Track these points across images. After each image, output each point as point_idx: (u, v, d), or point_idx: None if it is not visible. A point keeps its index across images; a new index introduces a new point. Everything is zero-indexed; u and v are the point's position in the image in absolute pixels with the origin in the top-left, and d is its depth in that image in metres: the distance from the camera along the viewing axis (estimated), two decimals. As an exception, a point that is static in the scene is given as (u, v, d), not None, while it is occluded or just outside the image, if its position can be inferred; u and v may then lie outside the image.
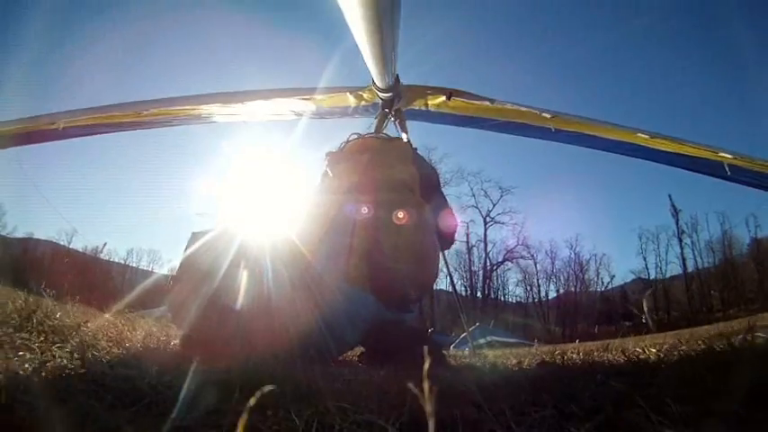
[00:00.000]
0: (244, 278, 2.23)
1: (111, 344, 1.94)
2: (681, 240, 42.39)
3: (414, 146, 4.65)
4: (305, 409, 0.94)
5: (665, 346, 2.21)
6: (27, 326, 1.91)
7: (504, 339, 17.15)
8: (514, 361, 2.55)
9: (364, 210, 2.71)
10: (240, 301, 2.17)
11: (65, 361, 1.31)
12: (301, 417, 0.89)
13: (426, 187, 3.02)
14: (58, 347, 1.50)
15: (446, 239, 3.22)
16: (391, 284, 2.65)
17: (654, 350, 2.20)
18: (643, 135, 3.25)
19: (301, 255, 2.53)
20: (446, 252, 3.49)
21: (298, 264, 2.47)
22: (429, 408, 0.52)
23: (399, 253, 2.69)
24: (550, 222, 59.21)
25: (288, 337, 2.17)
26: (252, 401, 0.60)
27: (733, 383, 1.10)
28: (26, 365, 1.17)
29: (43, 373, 1.13)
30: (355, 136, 3.34)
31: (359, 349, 2.87)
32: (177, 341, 2.47)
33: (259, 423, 0.86)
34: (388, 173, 2.93)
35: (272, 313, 2.22)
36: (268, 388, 0.61)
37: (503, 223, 46.00)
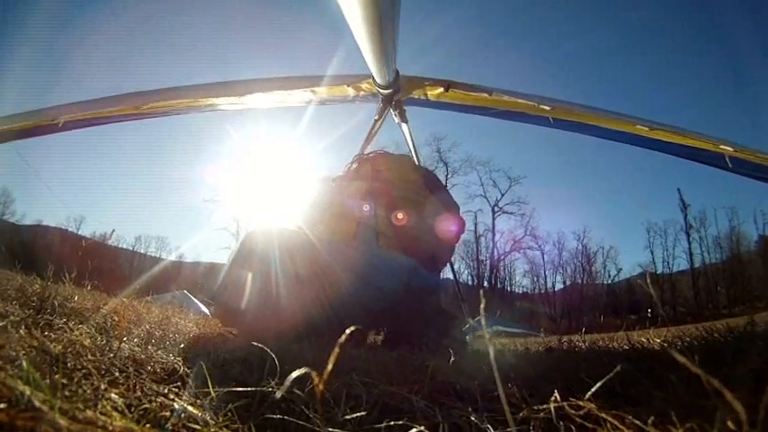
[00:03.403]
0: (280, 265, 2.35)
1: (131, 325, 2.00)
2: (689, 235, 42.25)
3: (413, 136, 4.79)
4: (331, 382, 1.00)
5: (670, 338, 2.26)
6: (48, 308, 1.97)
7: (510, 329, 17.15)
8: (522, 348, 2.61)
9: (378, 195, 2.88)
10: (279, 286, 2.30)
11: (99, 339, 1.36)
12: (329, 389, 0.95)
13: (431, 186, 3.22)
14: (84, 327, 1.55)
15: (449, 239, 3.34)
16: (418, 244, 2.85)
17: (658, 340, 2.24)
18: (642, 126, 3.21)
19: (335, 240, 2.77)
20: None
21: (335, 245, 2.69)
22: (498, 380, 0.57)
23: (418, 222, 2.91)
24: (559, 213, 59.22)
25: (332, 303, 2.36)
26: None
27: (735, 370, 1.15)
28: (54, 344, 1.21)
29: (78, 350, 1.18)
30: (356, 157, 3.60)
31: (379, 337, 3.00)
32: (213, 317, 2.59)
33: (288, 394, 0.91)
34: (397, 176, 3.17)
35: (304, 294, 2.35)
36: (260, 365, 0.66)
37: (511, 213, 46.08)
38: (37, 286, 2.32)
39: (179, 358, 1.17)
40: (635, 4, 52.18)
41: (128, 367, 1.07)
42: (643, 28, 55.54)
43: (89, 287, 2.96)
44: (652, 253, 44.88)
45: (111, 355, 1.14)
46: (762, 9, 41.60)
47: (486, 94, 3.73)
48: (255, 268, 2.36)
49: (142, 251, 49.90)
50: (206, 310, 5.37)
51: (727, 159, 3.06)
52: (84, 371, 0.96)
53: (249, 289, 2.30)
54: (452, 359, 1.23)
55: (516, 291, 49.64)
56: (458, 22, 55.62)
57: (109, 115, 3.79)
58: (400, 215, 2.87)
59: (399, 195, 2.97)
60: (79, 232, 42.68)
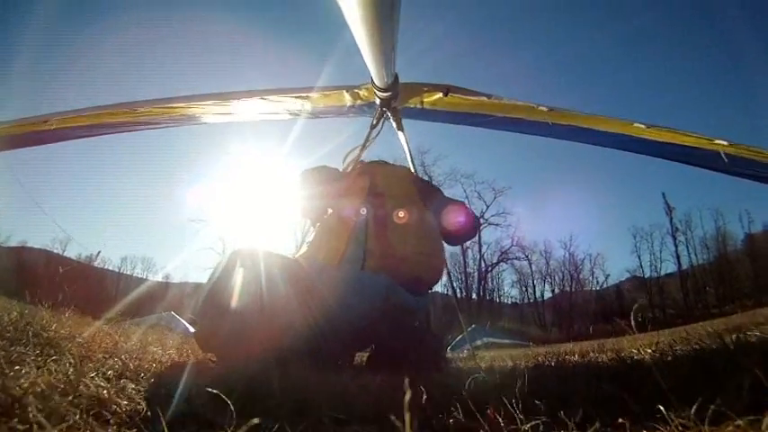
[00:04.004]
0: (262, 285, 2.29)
1: (106, 355, 1.93)
2: (675, 238, 42.68)
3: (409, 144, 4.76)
4: (300, 421, 0.95)
5: (661, 347, 2.22)
6: (23, 339, 1.90)
7: (501, 341, 17.12)
8: (510, 363, 2.57)
9: (372, 211, 2.86)
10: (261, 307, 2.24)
11: (70, 373, 1.30)
12: (295, 429, 0.90)
13: (426, 196, 3.24)
14: (54, 361, 1.49)
15: (458, 232, 3.34)
16: (403, 266, 2.78)
17: (649, 351, 2.21)
18: (639, 125, 3.23)
19: (320, 259, 2.76)
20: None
21: (320, 265, 2.68)
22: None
23: (408, 241, 2.86)
24: (544, 223, 59.61)
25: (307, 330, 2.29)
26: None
27: (726, 385, 1.11)
28: (21, 381, 1.15)
29: (39, 390, 1.12)
30: (350, 164, 3.66)
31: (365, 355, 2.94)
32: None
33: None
34: (393, 190, 3.17)
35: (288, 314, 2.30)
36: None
37: (497, 224, 46.11)
38: (14, 314, 2.26)
39: (146, 395, 1.11)
40: (630, 13, 53.06)
41: (90, 408, 1.02)
42: (638, 35, 56.40)
43: (69, 312, 2.88)
44: (639, 258, 45.29)
45: (73, 396, 1.08)
46: (761, 15, 42.41)
47: (484, 98, 3.73)
48: (239, 288, 2.30)
49: (128, 272, 49.55)
50: (193, 331, 5.33)
51: (723, 155, 3.04)
52: (43, 414, 0.91)
53: (232, 309, 2.24)
54: (431, 387, 1.19)
55: (505, 301, 49.88)
56: (451, 30, 56.10)
57: (102, 123, 3.74)
58: (401, 213, 2.85)
59: (394, 207, 2.93)
60: (65, 254, 42.20)
